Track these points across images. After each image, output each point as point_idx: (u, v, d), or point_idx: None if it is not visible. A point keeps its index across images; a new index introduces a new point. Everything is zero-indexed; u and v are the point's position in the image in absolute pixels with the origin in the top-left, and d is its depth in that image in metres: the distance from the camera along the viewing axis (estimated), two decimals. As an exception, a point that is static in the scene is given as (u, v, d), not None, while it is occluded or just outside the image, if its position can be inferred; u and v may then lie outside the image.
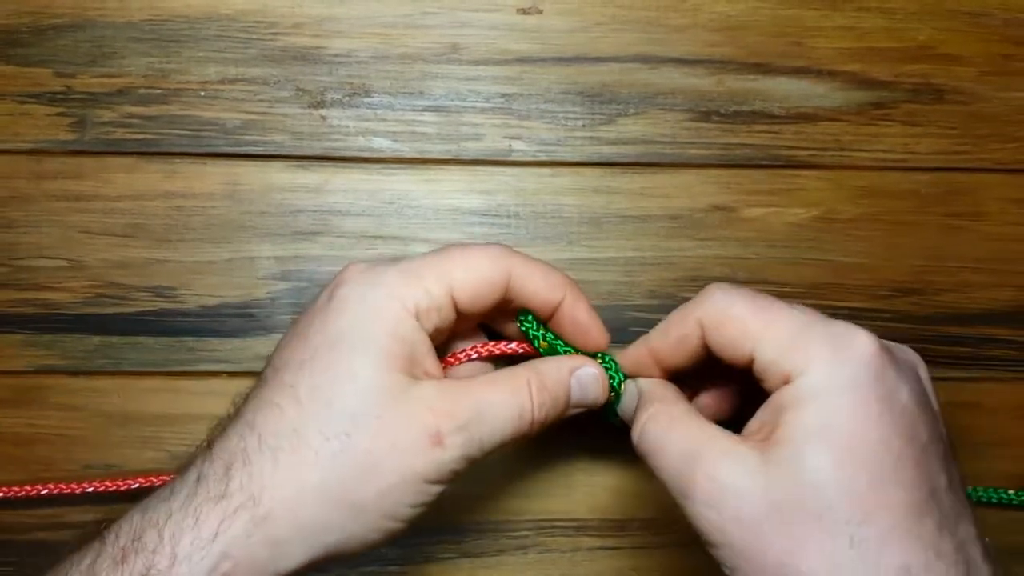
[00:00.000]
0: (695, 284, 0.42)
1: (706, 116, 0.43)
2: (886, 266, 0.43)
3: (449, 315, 0.33)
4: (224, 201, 0.42)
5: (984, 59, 0.43)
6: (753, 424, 0.31)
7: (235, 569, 0.29)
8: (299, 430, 0.30)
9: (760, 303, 0.31)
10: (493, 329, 0.37)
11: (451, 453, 0.31)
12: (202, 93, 0.42)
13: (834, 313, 0.42)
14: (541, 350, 0.36)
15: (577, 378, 0.34)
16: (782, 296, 0.42)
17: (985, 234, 0.43)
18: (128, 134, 0.41)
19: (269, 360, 0.33)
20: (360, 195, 0.42)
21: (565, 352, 0.35)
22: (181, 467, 0.31)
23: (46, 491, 0.39)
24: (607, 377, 0.35)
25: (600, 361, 0.35)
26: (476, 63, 0.42)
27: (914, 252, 0.43)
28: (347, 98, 0.42)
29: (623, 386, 0.35)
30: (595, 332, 0.35)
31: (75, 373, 0.41)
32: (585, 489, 0.42)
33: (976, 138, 0.43)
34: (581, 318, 0.35)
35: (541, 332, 0.35)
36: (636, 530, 0.42)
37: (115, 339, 0.41)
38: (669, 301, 0.42)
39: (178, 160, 0.42)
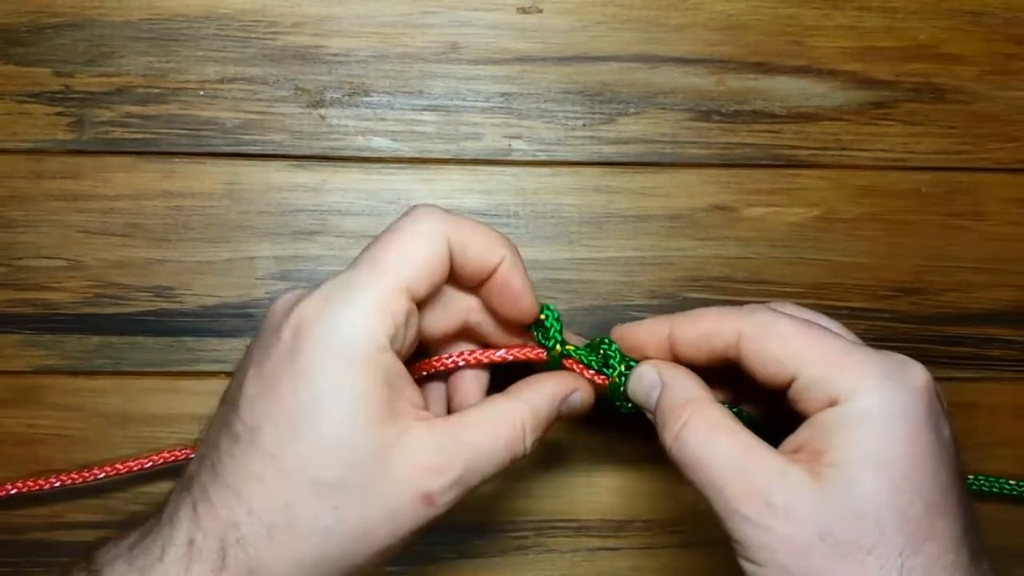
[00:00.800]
0: (695, 284, 0.42)
1: (706, 115, 0.43)
2: (887, 266, 0.43)
3: (414, 321, 0.31)
4: (223, 201, 0.41)
5: (985, 58, 0.43)
6: (792, 442, 0.30)
7: None
8: (290, 504, 0.29)
9: (805, 323, 0.31)
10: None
11: (442, 508, 0.30)
12: (201, 92, 0.42)
13: (834, 313, 0.42)
14: (551, 357, 0.35)
15: (567, 404, 0.34)
16: (783, 296, 0.42)
17: (986, 234, 0.43)
18: (127, 134, 0.41)
19: (235, 408, 0.30)
20: (359, 195, 0.42)
21: (577, 355, 0.35)
22: (157, 518, 0.31)
23: (48, 485, 0.39)
24: (592, 395, 0.35)
25: (603, 347, 0.35)
26: (476, 62, 0.42)
27: (915, 252, 0.43)
28: (346, 97, 0.42)
29: (636, 370, 0.34)
30: (526, 302, 0.33)
31: (74, 373, 0.41)
32: (586, 490, 0.42)
33: (977, 138, 0.43)
34: (514, 285, 0.33)
35: (553, 342, 0.35)
36: (637, 531, 0.42)
37: (114, 339, 0.41)
38: (669, 301, 0.42)
39: (177, 160, 0.41)
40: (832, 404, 0.29)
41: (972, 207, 0.43)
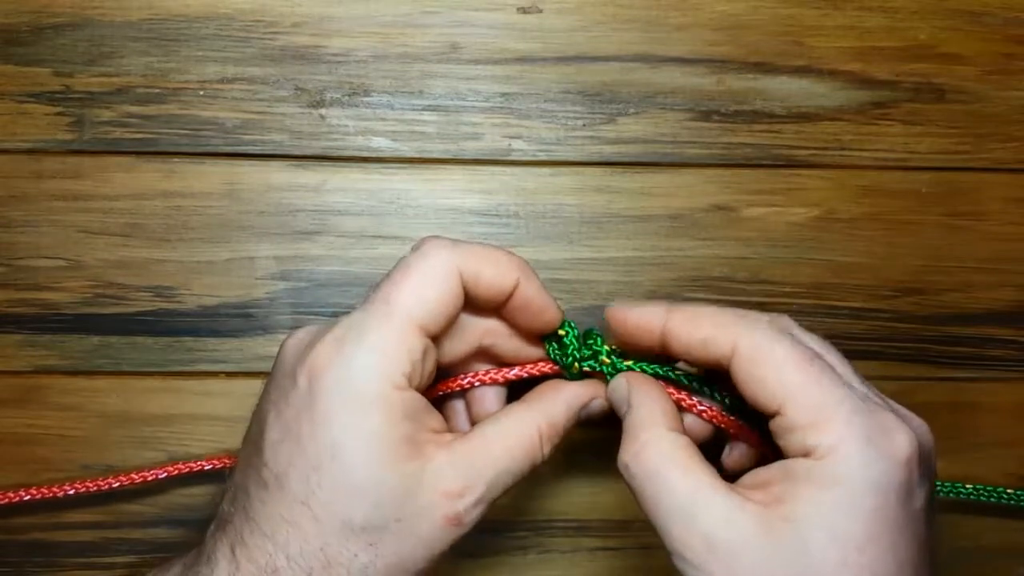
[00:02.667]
0: (695, 284, 0.42)
1: (706, 115, 0.43)
2: (887, 266, 0.43)
3: (432, 354, 0.31)
4: (223, 201, 0.41)
5: (985, 58, 0.43)
6: (756, 478, 0.30)
7: None
8: (325, 549, 0.29)
9: (807, 356, 0.30)
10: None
11: (469, 525, 0.31)
12: (201, 92, 0.42)
13: (835, 313, 0.42)
14: (569, 374, 0.35)
15: (586, 411, 0.34)
16: (783, 295, 0.42)
17: (986, 234, 0.43)
18: (127, 133, 0.41)
19: (259, 452, 0.31)
20: (359, 195, 0.42)
21: (591, 367, 0.35)
22: (197, 554, 0.31)
23: (63, 493, 0.39)
24: (607, 402, 0.35)
25: (591, 343, 0.35)
26: (476, 62, 0.42)
27: (915, 252, 0.43)
28: (346, 97, 0.42)
29: (613, 382, 0.34)
30: (549, 313, 0.34)
31: (74, 373, 0.41)
32: (586, 489, 0.42)
33: (977, 137, 0.43)
34: (535, 301, 0.33)
35: (572, 359, 0.35)
36: (637, 531, 0.42)
37: (114, 339, 0.41)
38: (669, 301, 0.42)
39: (177, 160, 0.41)
40: (807, 454, 0.29)
41: (972, 207, 0.43)
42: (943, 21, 0.43)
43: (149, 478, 0.39)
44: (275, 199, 0.42)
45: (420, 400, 0.31)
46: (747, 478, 0.30)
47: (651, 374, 0.34)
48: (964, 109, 0.43)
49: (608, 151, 0.42)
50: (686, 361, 0.33)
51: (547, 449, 0.33)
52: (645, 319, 0.33)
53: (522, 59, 0.42)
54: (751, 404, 0.31)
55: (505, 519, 0.41)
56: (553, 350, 0.35)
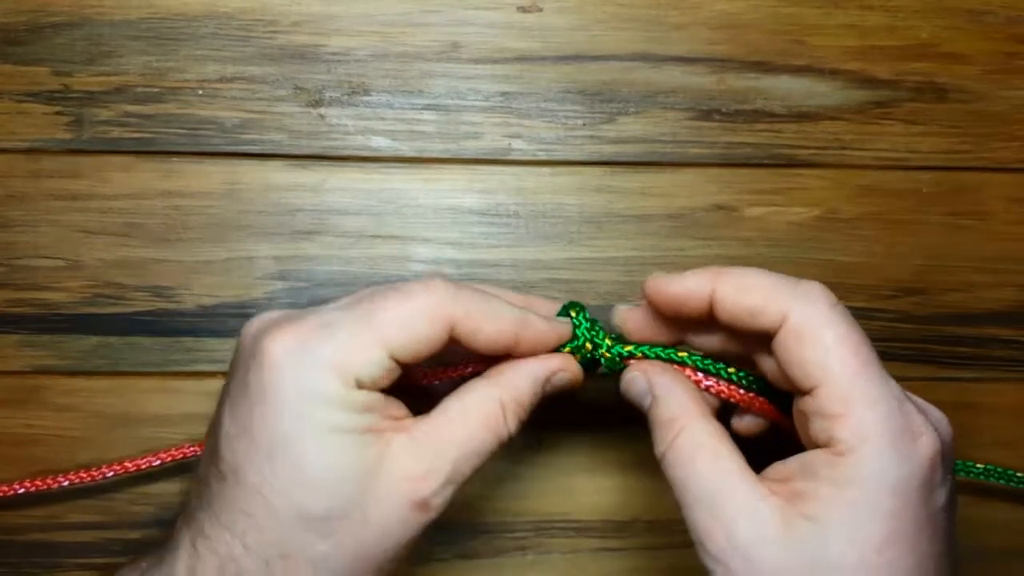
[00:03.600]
0: (696, 284, 0.42)
1: (707, 115, 0.43)
2: (888, 266, 0.43)
3: (395, 370, 0.30)
4: (222, 200, 0.41)
5: (987, 57, 0.43)
6: (780, 470, 0.30)
7: None
8: (282, 538, 0.29)
9: (858, 342, 0.30)
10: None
11: (436, 511, 0.30)
12: (200, 92, 0.41)
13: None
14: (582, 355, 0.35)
15: (552, 383, 0.33)
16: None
17: (988, 233, 0.43)
18: (126, 133, 0.41)
19: (216, 445, 0.30)
20: (359, 194, 0.42)
21: (608, 349, 0.34)
22: (165, 549, 0.31)
23: (56, 484, 0.39)
24: (580, 372, 0.34)
25: (593, 333, 0.34)
26: (476, 61, 0.42)
27: (916, 251, 0.43)
28: (346, 97, 0.42)
29: (627, 375, 0.34)
30: (554, 341, 0.33)
31: (73, 373, 0.41)
32: (586, 490, 0.41)
33: (979, 137, 0.43)
34: (539, 347, 0.32)
35: (584, 340, 0.34)
36: (637, 532, 0.41)
37: (113, 339, 0.41)
38: (670, 301, 0.42)
39: (176, 159, 0.41)
40: (828, 445, 0.29)
41: (974, 207, 0.43)
42: (944, 20, 0.43)
43: (143, 466, 0.39)
44: (274, 199, 0.41)
45: (377, 395, 0.30)
46: (771, 471, 0.30)
47: (653, 358, 0.34)
48: (965, 108, 0.43)
49: (608, 150, 0.42)
50: (729, 329, 0.32)
51: (513, 424, 0.32)
52: (692, 286, 0.32)
53: (522, 58, 0.42)
54: (786, 377, 0.30)
55: (505, 519, 0.41)
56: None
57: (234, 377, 0.31)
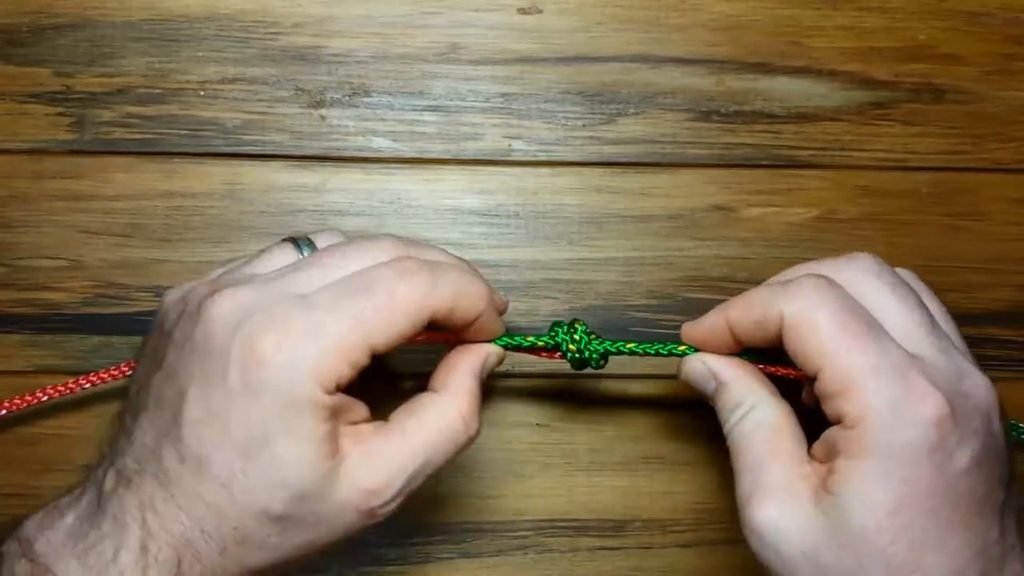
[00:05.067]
0: (695, 284, 0.42)
1: (706, 116, 0.43)
2: (886, 266, 0.43)
3: (367, 365, 0.31)
4: (223, 201, 0.41)
5: (985, 59, 0.43)
6: (818, 448, 0.31)
7: None
8: (240, 528, 0.30)
9: (845, 322, 0.30)
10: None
11: (385, 516, 0.31)
12: (201, 93, 0.42)
13: (834, 313, 0.42)
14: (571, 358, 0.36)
15: (484, 369, 0.34)
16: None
17: (985, 234, 0.43)
18: (127, 134, 0.41)
19: (176, 424, 0.30)
20: (360, 195, 0.42)
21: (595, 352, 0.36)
22: (96, 507, 0.30)
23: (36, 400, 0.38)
24: (502, 352, 0.35)
25: (576, 333, 0.36)
26: (476, 63, 0.42)
27: (914, 252, 0.43)
28: (347, 98, 0.42)
29: (687, 363, 0.35)
30: (496, 336, 0.35)
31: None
32: (585, 489, 0.42)
33: (976, 138, 0.43)
34: (485, 330, 0.34)
35: (574, 346, 0.36)
36: (637, 531, 0.42)
37: (115, 339, 0.41)
38: (669, 301, 0.42)
39: (177, 160, 0.41)
40: (840, 421, 0.30)
41: (972, 207, 0.43)
42: (942, 21, 0.44)
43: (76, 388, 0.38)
44: (275, 199, 0.42)
45: (343, 397, 0.30)
46: (815, 448, 0.32)
47: (627, 353, 0.36)
48: (963, 109, 0.43)
49: (608, 151, 0.42)
50: (760, 346, 0.33)
51: (474, 427, 0.33)
52: (711, 327, 0.34)
53: (522, 59, 0.42)
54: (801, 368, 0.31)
55: (504, 519, 0.41)
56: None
57: (205, 360, 0.30)
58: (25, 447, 0.41)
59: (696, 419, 0.41)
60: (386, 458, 0.31)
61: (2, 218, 0.41)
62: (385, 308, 0.30)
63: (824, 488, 0.30)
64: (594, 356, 0.36)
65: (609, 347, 0.36)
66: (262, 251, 0.35)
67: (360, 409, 0.32)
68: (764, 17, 0.43)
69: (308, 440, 0.29)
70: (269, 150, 0.42)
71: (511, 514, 0.41)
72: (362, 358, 0.30)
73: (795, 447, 0.31)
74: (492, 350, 0.35)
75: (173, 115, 0.41)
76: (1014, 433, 0.40)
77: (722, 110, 0.43)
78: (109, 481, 0.31)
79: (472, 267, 0.34)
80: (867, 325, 0.30)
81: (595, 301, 0.42)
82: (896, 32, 0.43)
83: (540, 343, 0.36)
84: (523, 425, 0.42)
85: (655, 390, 0.42)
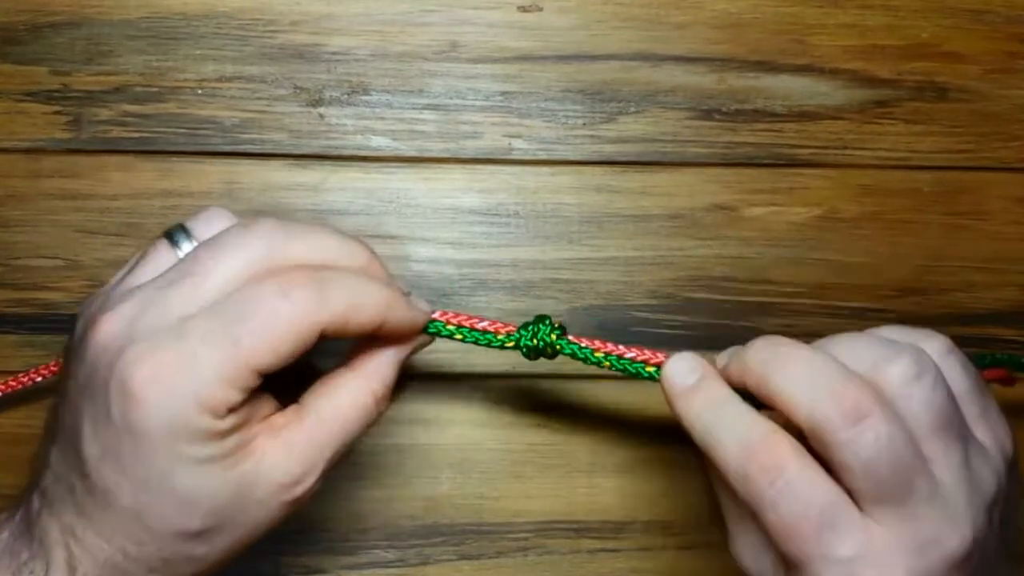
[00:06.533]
0: (696, 284, 0.42)
1: (707, 114, 0.42)
2: (889, 266, 0.43)
3: (260, 381, 0.29)
4: (222, 200, 0.41)
5: (988, 57, 0.43)
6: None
7: None
8: (161, 550, 0.29)
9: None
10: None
11: (307, 499, 0.31)
12: (199, 91, 0.41)
13: (836, 313, 0.42)
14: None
15: (410, 352, 0.33)
16: (784, 295, 0.42)
17: (988, 233, 0.43)
18: (125, 132, 0.41)
19: (79, 457, 0.29)
20: (359, 194, 0.42)
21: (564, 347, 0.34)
22: (26, 524, 0.30)
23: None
24: (430, 338, 0.34)
25: (536, 329, 0.34)
26: (475, 61, 0.42)
27: (917, 251, 0.43)
28: (346, 96, 0.42)
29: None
30: (417, 326, 0.33)
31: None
32: (585, 491, 0.41)
33: (980, 136, 0.43)
34: (399, 332, 0.32)
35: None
36: (637, 532, 0.41)
37: (112, 339, 0.41)
38: (669, 301, 0.42)
39: (175, 159, 0.41)
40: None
41: (975, 206, 0.43)
42: (945, 19, 0.43)
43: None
44: (274, 198, 0.41)
45: (244, 410, 0.29)
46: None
47: (594, 363, 0.34)
48: (966, 108, 0.43)
49: (608, 150, 0.42)
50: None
51: (384, 406, 0.32)
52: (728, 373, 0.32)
53: (522, 58, 0.42)
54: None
55: (504, 520, 0.41)
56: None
57: (90, 390, 0.29)
58: (23, 447, 0.40)
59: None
60: (304, 447, 0.30)
61: (-1, 217, 0.41)
62: (266, 331, 0.28)
63: None
64: (550, 345, 0.34)
65: (576, 350, 0.34)
66: (143, 254, 0.33)
67: (267, 403, 0.31)
68: (766, 15, 0.43)
69: (209, 463, 0.29)
70: (267, 149, 0.42)
71: (510, 516, 0.41)
72: (249, 380, 0.28)
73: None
74: (422, 342, 0.33)
75: (171, 114, 0.41)
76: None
77: (723, 108, 0.43)
78: (35, 502, 0.31)
79: (372, 262, 0.31)
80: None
81: (595, 301, 0.42)
82: (899, 30, 0.43)
83: (489, 338, 0.34)
84: (522, 426, 0.41)
85: (655, 390, 0.41)
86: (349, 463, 0.41)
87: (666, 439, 0.41)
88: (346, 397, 0.31)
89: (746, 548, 0.31)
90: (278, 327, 0.28)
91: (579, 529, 0.41)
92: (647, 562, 0.41)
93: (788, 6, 0.43)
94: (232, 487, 0.29)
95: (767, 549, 0.30)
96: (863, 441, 0.28)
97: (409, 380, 0.41)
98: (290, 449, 0.30)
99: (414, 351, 0.33)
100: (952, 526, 0.28)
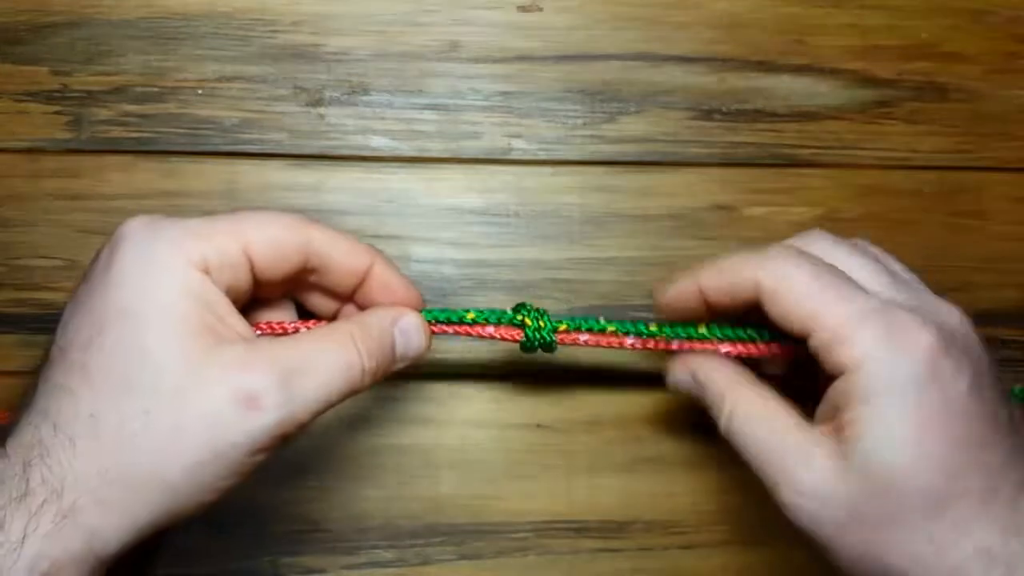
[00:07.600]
0: (696, 284, 0.42)
1: (708, 114, 0.42)
2: (889, 266, 0.42)
3: (245, 276, 0.31)
4: (222, 200, 0.41)
5: (988, 57, 0.43)
6: (824, 411, 0.31)
7: (53, 566, 0.26)
8: (95, 415, 0.28)
9: (823, 280, 0.31)
10: (303, 307, 0.36)
11: (271, 416, 0.28)
12: (199, 91, 0.41)
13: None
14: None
15: (400, 329, 0.33)
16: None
17: (989, 233, 0.43)
18: (125, 133, 0.41)
19: (55, 336, 0.30)
20: (359, 194, 0.42)
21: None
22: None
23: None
24: (428, 325, 0.34)
25: (536, 314, 0.35)
26: (476, 61, 0.42)
27: (917, 251, 0.42)
28: (346, 96, 0.42)
29: (670, 378, 0.35)
30: (402, 292, 0.34)
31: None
32: (585, 491, 0.41)
33: (979, 137, 0.43)
34: (392, 281, 0.34)
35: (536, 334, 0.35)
36: (637, 532, 0.41)
37: (112, 339, 0.41)
38: (670, 301, 0.42)
39: (175, 159, 0.41)
40: (841, 372, 0.30)
41: (975, 207, 0.43)
42: (945, 20, 0.43)
43: None
44: (274, 198, 0.41)
45: (221, 296, 0.30)
46: (818, 414, 0.32)
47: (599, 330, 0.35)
48: (966, 108, 0.43)
49: (609, 150, 0.42)
50: (730, 311, 0.34)
51: (369, 362, 0.31)
52: (681, 290, 0.34)
53: (522, 58, 0.42)
54: (788, 332, 0.32)
55: (504, 520, 0.41)
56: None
57: (90, 268, 0.31)
58: None
59: (696, 419, 0.41)
60: (275, 347, 0.29)
61: (-1, 217, 0.41)
62: (258, 212, 0.31)
63: (842, 444, 0.30)
64: (547, 337, 0.35)
65: (569, 324, 0.35)
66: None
67: (244, 325, 0.31)
68: (766, 15, 0.43)
69: (171, 309, 0.28)
70: (267, 149, 0.42)
71: (510, 515, 0.41)
72: (233, 248, 0.30)
73: (793, 423, 0.32)
74: (414, 315, 0.34)
75: (171, 114, 0.41)
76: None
77: (724, 109, 0.43)
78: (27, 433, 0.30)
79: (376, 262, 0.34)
80: (843, 279, 0.31)
81: (596, 301, 0.42)
82: (899, 30, 0.43)
83: (492, 321, 0.35)
84: (523, 426, 0.41)
85: (655, 391, 0.41)
86: (349, 463, 0.41)
87: (667, 438, 0.41)
88: (326, 332, 0.32)
89: (797, 477, 0.31)
90: (269, 213, 0.32)
91: (579, 529, 0.41)
92: (648, 562, 0.41)
93: (788, 6, 0.43)
94: (185, 350, 0.28)
95: (807, 435, 0.31)
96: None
97: (409, 380, 0.41)
98: (256, 344, 0.30)
99: (412, 345, 0.34)
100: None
